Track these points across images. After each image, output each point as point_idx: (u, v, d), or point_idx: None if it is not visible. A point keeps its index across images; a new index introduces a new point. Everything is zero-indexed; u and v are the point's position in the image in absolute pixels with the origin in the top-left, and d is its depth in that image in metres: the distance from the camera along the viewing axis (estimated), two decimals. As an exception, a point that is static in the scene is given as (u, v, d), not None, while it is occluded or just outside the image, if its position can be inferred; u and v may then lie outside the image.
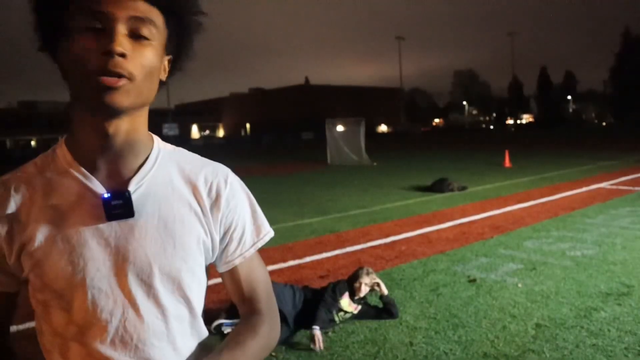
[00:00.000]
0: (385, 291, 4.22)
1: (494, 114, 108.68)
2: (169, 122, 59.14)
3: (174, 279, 0.95)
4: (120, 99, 0.85)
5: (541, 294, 4.60)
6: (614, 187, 11.14)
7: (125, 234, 0.92)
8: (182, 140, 60.06)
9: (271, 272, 5.49)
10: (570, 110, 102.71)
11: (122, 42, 0.83)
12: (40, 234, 0.90)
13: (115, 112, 0.87)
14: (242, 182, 1.10)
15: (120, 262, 0.91)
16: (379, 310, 4.23)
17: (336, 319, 4.07)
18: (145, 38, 0.87)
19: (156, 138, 1.02)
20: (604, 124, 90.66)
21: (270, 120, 79.01)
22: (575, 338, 3.67)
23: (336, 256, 6.18)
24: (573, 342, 3.60)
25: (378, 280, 4.26)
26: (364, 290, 4.16)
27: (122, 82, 0.84)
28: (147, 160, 0.97)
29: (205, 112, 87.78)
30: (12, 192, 0.93)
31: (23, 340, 2.92)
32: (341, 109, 67.02)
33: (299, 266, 5.79)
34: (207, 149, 46.83)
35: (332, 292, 4.12)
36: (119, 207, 0.91)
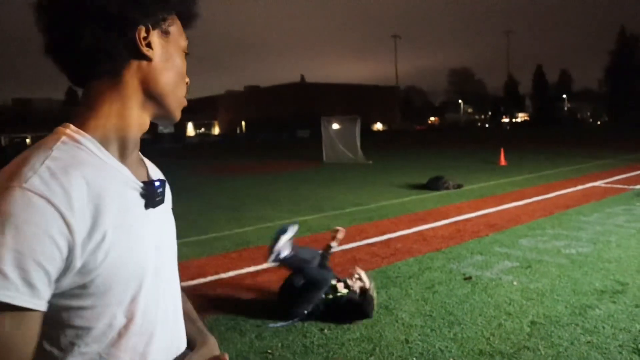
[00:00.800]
0: (368, 286, 4.22)
1: (490, 113, 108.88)
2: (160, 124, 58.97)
3: (176, 259, 1.09)
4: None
5: (536, 291, 4.61)
6: (609, 185, 11.18)
7: (161, 219, 1.00)
8: (177, 138, 59.97)
9: (267, 270, 5.48)
10: (565, 109, 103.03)
11: None
12: (110, 229, 0.83)
13: (171, 123, 1.03)
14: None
15: (160, 246, 0.97)
16: (356, 306, 4.12)
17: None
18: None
19: None
20: (598, 122, 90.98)
21: (265, 118, 78.87)
22: (570, 335, 3.68)
23: (332, 254, 6.16)
24: (568, 340, 3.62)
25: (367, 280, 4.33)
26: (355, 278, 4.32)
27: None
28: (139, 155, 1.05)
29: (201, 109, 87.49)
30: (66, 184, 0.79)
31: None
32: (337, 107, 67.08)
33: (294, 264, 5.77)
34: (202, 146, 46.77)
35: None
36: (160, 194, 0.98)
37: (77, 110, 0.92)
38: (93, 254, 0.80)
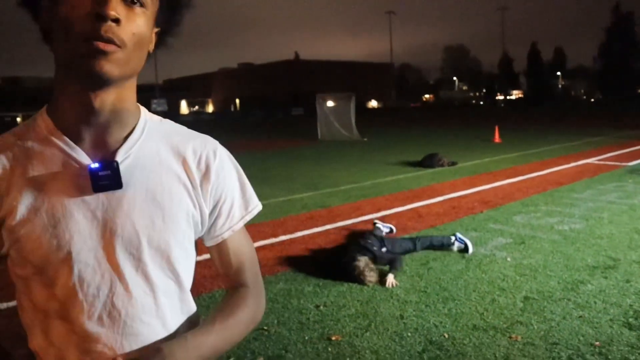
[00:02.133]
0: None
1: (484, 90, 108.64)
2: (157, 97, 58.52)
3: (163, 253, 0.92)
4: (110, 68, 0.81)
5: (530, 267, 4.66)
6: (602, 162, 11.24)
7: (112, 206, 0.89)
8: (171, 115, 59.37)
9: (262, 247, 5.51)
10: (560, 86, 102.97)
11: (116, 7, 0.79)
12: (22, 207, 0.85)
13: (103, 82, 0.83)
14: (230, 155, 1.07)
15: (108, 235, 0.88)
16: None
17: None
18: (140, 5, 0.84)
19: (143, 109, 0.98)
20: (592, 100, 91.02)
21: (260, 96, 78.45)
22: (562, 310, 3.74)
23: (327, 231, 6.21)
24: (560, 314, 3.67)
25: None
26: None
27: (113, 48, 0.80)
28: (133, 131, 0.93)
29: (194, 87, 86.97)
30: (5, 159, 0.87)
31: (5, 318, 2.89)
32: (331, 84, 66.71)
33: (290, 241, 5.81)
34: (196, 124, 46.47)
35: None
36: (107, 178, 0.87)
37: None
38: (3, 226, 0.86)
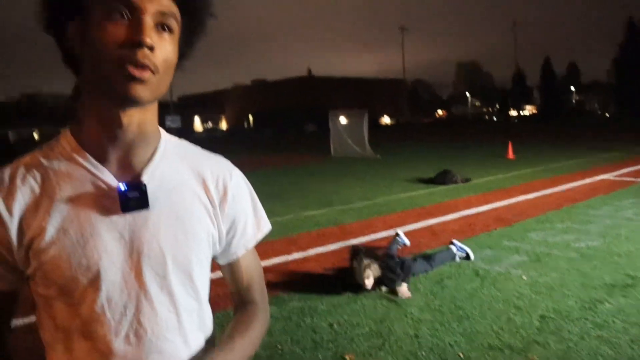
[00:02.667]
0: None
1: (497, 105, 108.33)
2: (171, 114, 59.12)
3: (185, 271, 0.95)
4: (144, 92, 0.84)
5: (546, 285, 4.60)
6: (618, 178, 11.11)
7: (138, 225, 0.91)
8: (184, 132, 60.11)
9: (275, 265, 5.50)
10: (574, 101, 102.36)
11: (151, 35, 0.83)
12: (52, 227, 0.87)
13: (135, 104, 0.86)
14: (243, 175, 1.11)
15: (135, 254, 0.91)
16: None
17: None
18: (169, 32, 0.88)
19: (162, 130, 1.01)
20: (607, 114, 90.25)
21: (273, 112, 78.88)
22: (580, 330, 3.68)
23: (340, 248, 6.18)
24: (578, 334, 3.61)
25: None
26: (368, 282, 4.52)
27: (148, 74, 0.83)
28: (156, 152, 0.96)
29: (208, 104, 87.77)
30: (19, 183, 0.88)
31: (24, 333, 2.90)
32: (344, 100, 66.91)
33: (303, 259, 5.80)
34: (210, 141, 46.85)
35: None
36: (135, 198, 0.90)
37: None
38: (31, 247, 0.87)
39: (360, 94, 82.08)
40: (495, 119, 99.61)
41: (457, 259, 5.41)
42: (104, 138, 0.90)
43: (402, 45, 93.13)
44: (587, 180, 10.90)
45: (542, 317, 3.93)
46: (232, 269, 1.11)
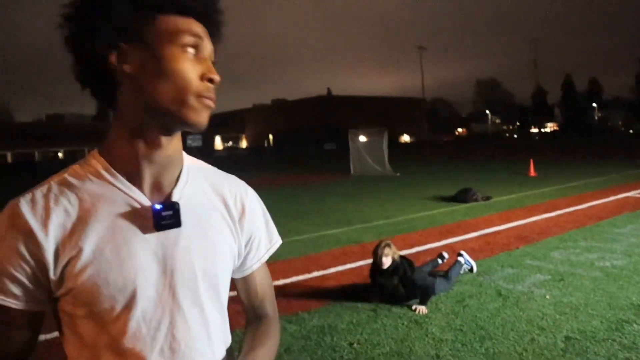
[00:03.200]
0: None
1: (518, 123, 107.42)
2: (192, 133, 59.79)
3: (214, 286, 1.01)
4: (207, 122, 0.93)
5: (570, 305, 4.52)
6: (644, 196, 10.90)
7: (171, 243, 0.95)
8: (205, 151, 60.82)
9: (296, 283, 5.50)
10: (596, 117, 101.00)
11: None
12: (88, 247, 0.89)
13: (196, 131, 0.94)
14: (255, 193, 1.17)
15: (169, 271, 0.94)
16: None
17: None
18: (214, 65, 0.96)
19: (184, 152, 1.06)
20: (630, 131, 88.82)
21: (293, 131, 79.38)
22: (607, 352, 3.59)
23: (360, 267, 6.16)
24: (605, 356, 3.53)
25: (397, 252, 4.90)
26: (386, 261, 4.75)
27: (214, 106, 0.94)
28: (181, 173, 1.01)
29: (229, 123, 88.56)
30: (52, 204, 0.90)
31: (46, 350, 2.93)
32: (363, 119, 67.11)
33: (323, 277, 5.79)
34: (230, 160, 47.26)
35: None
36: (169, 217, 0.94)
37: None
38: (67, 269, 0.88)
39: (380, 112, 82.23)
40: (515, 136, 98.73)
41: (461, 271, 5.57)
42: (141, 160, 0.94)
43: (421, 64, 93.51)
44: (611, 198, 10.72)
45: (567, 338, 3.86)
46: (246, 283, 1.16)
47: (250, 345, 1.09)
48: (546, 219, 8.75)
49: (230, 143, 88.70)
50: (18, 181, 30.28)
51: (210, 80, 0.91)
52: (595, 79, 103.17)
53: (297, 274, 5.88)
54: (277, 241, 1.19)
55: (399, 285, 4.70)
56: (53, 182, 0.93)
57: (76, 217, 0.90)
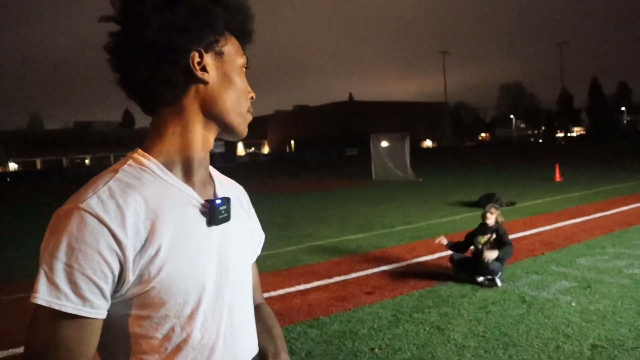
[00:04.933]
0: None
1: (543, 127, 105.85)
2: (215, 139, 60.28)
3: (249, 272, 1.13)
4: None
5: (597, 313, 4.42)
6: (674, 201, 10.62)
7: (224, 236, 1.02)
8: (228, 157, 61.33)
9: (317, 288, 5.50)
10: (625, 121, 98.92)
11: None
12: (164, 244, 0.90)
13: (237, 140, 1.09)
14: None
15: (224, 262, 1.01)
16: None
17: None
18: None
19: None
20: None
21: (314, 137, 79.56)
22: (634, 360, 3.51)
23: (382, 272, 6.13)
24: (632, 364, 3.44)
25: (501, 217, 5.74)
26: (490, 218, 5.63)
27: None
28: (211, 173, 1.09)
29: (251, 129, 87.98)
30: (122, 203, 0.87)
31: None
32: (385, 124, 66.96)
33: (344, 282, 5.77)
34: (252, 165, 47.58)
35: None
36: (225, 211, 1.02)
37: (146, 136, 1.01)
38: (146, 268, 0.88)
39: (402, 117, 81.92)
40: (541, 141, 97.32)
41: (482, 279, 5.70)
42: (194, 160, 1.00)
43: (444, 68, 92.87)
44: (640, 204, 10.47)
45: (594, 346, 3.77)
46: None
47: (268, 325, 1.19)
48: (572, 225, 8.59)
49: (253, 149, 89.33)
50: (46, 187, 30.97)
51: (252, 99, 1.07)
52: (624, 82, 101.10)
53: (318, 278, 5.87)
54: (263, 235, 1.27)
55: (492, 241, 5.57)
56: (111, 183, 0.90)
57: (146, 216, 0.90)
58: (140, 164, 0.96)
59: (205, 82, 0.98)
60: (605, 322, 4.22)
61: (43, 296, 0.82)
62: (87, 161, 70.14)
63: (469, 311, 4.63)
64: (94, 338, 0.88)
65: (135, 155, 0.98)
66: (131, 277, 0.87)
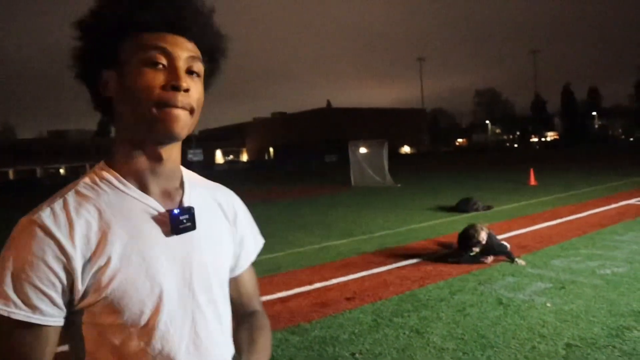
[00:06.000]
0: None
1: (518, 133, 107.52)
2: (193, 147, 59.90)
3: (222, 283, 1.09)
4: (183, 129, 0.95)
5: (571, 313, 4.54)
6: (644, 203, 10.91)
7: (187, 245, 1.01)
8: (206, 165, 60.99)
9: (298, 295, 5.52)
10: (596, 126, 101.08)
11: (186, 79, 0.94)
12: (115, 255, 0.92)
13: (175, 140, 0.98)
14: (241, 199, 1.25)
15: (187, 272, 1.00)
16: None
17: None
18: (197, 75, 0.99)
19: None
20: (631, 139, 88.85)
21: (293, 144, 79.52)
22: (607, 358, 3.61)
23: (362, 277, 6.19)
24: (605, 362, 3.54)
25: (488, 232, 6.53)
26: (482, 235, 6.42)
27: (185, 114, 0.95)
28: (183, 180, 1.08)
29: (229, 137, 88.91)
30: (74, 216, 0.91)
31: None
32: (364, 131, 67.17)
33: (325, 288, 5.81)
34: (231, 173, 47.34)
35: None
36: (186, 221, 1.00)
37: (111, 148, 1.04)
38: (97, 278, 0.90)
39: (380, 124, 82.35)
40: (516, 145, 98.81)
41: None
42: (146, 172, 1.00)
43: (421, 75, 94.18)
44: (612, 206, 10.74)
45: (568, 345, 3.88)
46: (237, 282, 1.22)
47: (252, 338, 1.16)
48: (547, 228, 8.77)
49: (231, 157, 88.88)
50: (20, 198, 30.33)
51: (174, 87, 0.92)
52: (594, 88, 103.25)
53: (299, 285, 5.90)
54: (261, 241, 1.27)
55: (490, 249, 6.46)
56: (68, 195, 0.95)
57: (98, 227, 0.93)
58: (100, 176, 0.99)
59: (113, 99, 0.97)
60: (579, 321, 4.33)
61: None
62: (62, 170, 68.94)
63: (447, 314, 4.71)
64: (48, 345, 0.91)
65: (96, 167, 1.02)
66: (80, 286, 0.89)
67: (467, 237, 6.52)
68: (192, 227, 1.01)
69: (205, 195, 1.11)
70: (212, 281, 1.05)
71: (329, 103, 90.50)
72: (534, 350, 3.81)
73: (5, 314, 0.85)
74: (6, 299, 0.86)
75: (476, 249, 6.41)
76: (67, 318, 0.92)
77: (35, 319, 0.87)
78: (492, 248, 6.47)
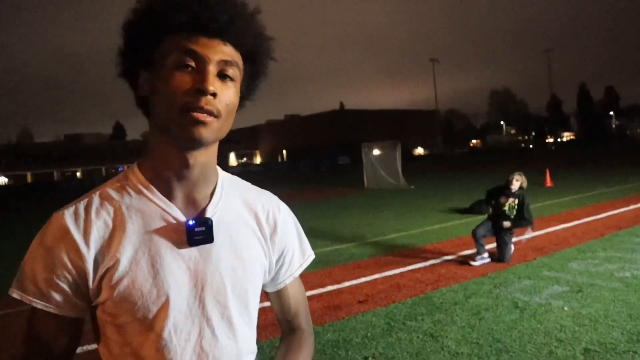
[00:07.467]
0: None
1: (533, 133, 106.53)
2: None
3: (243, 301, 1.03)
4: (207, 135, 0.91)
5: (589, 317, 4.43)
6: (663, 204, 10.71)
7: (203, 258, 0.98)
8: (220, 167, 61.19)
9: (310, 297, 5.47)
10: (614, 126, 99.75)
11: (214, 83, 0.91)
12: (125, 258, 0.93)
13: (199, 146, 0.93)
14: (288, 208, 1.20)
15: (199, 284, 0.98)
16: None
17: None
18: (231, 79, 0.95)
19: (218, 167, 1.08)
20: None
21: (306, 146, 79.59)
22: (627, 363, 3.51)
23: (375, 280, 6.12)
24: (625, 368, 3.45)
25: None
26: (515, 185, 6.61)
27: (211, 119, 0.91)
28: (216, 189, 1.04)
29: (242, 139, 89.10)
30: (94, 216, 0.94)
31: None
32: (377, 132, 66.98)
33: (337, 291, 5.76)
34: (244, 175, 47.43)
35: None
36: (202, 233, 0.97)
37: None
38: (104, 277, 0.92)
39: (393, 125, 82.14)
40: (531, 146, 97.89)
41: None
42: (172, 176, 0.97)
43: (434, 76, 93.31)
44: (631, 207, 10.55)
45: (586, 350, 3.78)
46: (279, 296, 1.19)
47: (284, 357, 1.12)
48: (564, 230, 8.63)
49: (245, 159, 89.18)
50: (37, 200, 30.73)
51: (200, 91, 0.89)
52: (611, 87, 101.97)
53: (311, 288, 5.86)
54: (311, 255, 1.22)
55: (514, 206, 6.60)
56: (94, 195, 0.98)
57: (114, 229, 0.94)
58: (128, 179, 1.00)
59: (149, 100, 0.96)
60: (597, 326, 4.23)
61: (16, 290, 0.94)
62: (78, 174, 69.71)
63: (462, 318, 4.63)
64: (67, 334, 0.97)
65: (127, 169, 1.02)
66: (91, 285, 0.93)
67: (500, 187, 6.91)
68: (209, 240, 0.98)
69: (237, 206, 1.07)
70: (229, 298, 1.01)
71: (342, 105, 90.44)
72: (551, 355, 3.72)
73: (27, 302, 0.93)
74: (25, 287, 0.93)
75: (506, 201, 6.64)
76: (91, 312, 0.98)
77: (52, 308, 0.93)
78: (521, 209, 6.59)
